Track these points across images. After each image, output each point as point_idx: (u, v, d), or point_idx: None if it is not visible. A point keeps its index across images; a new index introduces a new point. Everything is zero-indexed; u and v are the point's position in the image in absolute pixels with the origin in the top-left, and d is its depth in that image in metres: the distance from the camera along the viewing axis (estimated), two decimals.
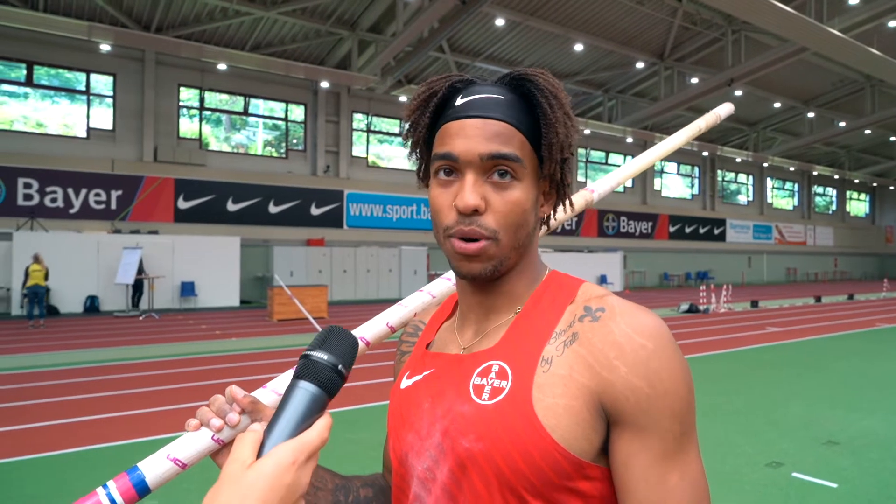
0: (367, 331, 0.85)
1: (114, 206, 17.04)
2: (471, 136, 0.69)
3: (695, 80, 22.06)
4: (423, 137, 0.77)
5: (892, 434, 4.88)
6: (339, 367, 0.62)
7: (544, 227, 0.84)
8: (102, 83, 17.65)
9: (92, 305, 15.33)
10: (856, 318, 14.38)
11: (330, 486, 0.82)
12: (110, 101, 17.67)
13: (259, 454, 0.56)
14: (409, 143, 0.78)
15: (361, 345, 0.83)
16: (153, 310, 14.93)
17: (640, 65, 21.97)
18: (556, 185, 0.76)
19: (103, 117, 17.60)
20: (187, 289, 16.48)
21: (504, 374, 0.68)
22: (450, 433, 0.68)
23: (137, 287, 15.29)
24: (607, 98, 24.66)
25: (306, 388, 0.60)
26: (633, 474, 0.62)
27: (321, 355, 0.61)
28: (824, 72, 23.85)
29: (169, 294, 16.32)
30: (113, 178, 17.04)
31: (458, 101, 0.73)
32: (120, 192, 17.12)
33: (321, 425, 0.59)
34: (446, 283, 0.95)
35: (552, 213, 0.79)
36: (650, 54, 21.81)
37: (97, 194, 16.79)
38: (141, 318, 13.91)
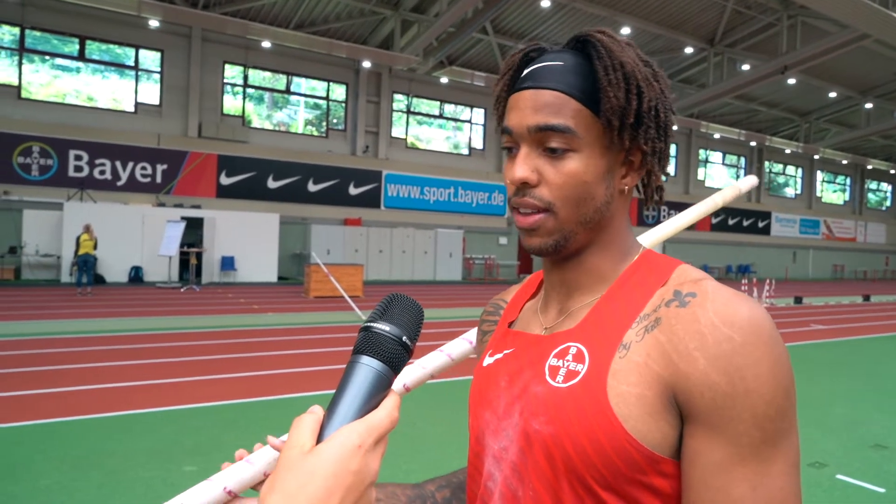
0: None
1: (159, 179, 17.45)
2: (522, 108, 0.67)
3: (746, 67, 21.30)
4: (502, 111, 0.75)
5: None
6: (404, 338, 0.56)
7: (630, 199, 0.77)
8: (150, 59, 18.00)
9: (136, 276, 15.79)
10: None
11: (403, 501, 0.80)
12: (157, 76, 18.02)
13: (319, 439, 0.50)
14: (496, 107, 0.77)
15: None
16: (194, 283, 15.30)
17: (688, 50, 21.33)
18: (639, 151, 0.69)
19: (150, 92, 17.98)
20: (227, 263, 16.82)
21: (581, 357, 0.64)
22: (524, 414, 0.66)
23: (186, 260, 15.72)
24: None
25: (369, 365, 0.54)
26: (696, 475, 0.57)
27: (383, 327, 0.55)
28: (886, 60, 22.72)
29: (210, 267, 16.69)
30: (158, 152, 17.43)
31: (524, 72, 0.71)
32: (165, 167, 17.52)
33: (390, 405, 0.53)
34: (466, 344, 0.95)
35: (648, 181, 0.73)
36: (700, 39, 21.14)
37: (143, 168, 17.22)
38: (182, 290, 14.27)
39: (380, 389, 0.53)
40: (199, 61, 18.28)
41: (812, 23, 18.93)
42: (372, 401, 0.53)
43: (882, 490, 3.61)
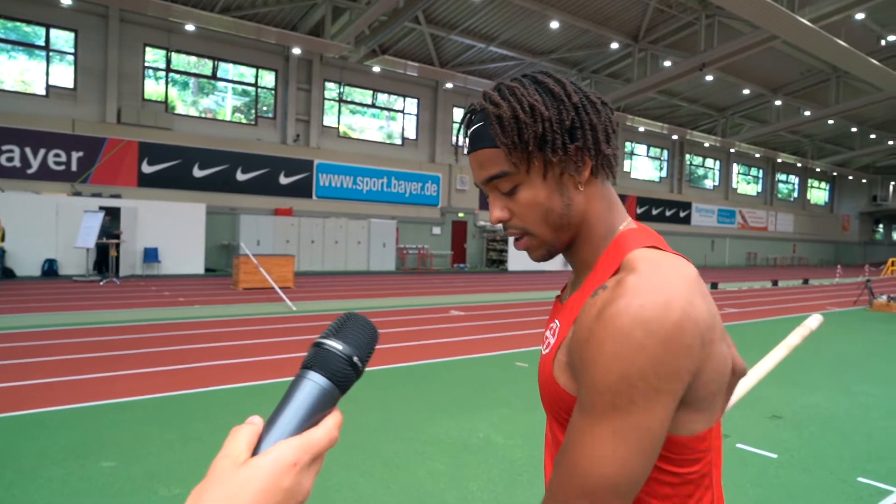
0: None
1: (74, 167, 16.53)
2: (473, 168, 0.85)
3: (667, 63, 22.23)
4: None
5: (833, 409, 5.14)
6: (355, 359, 0.55)
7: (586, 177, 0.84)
8: (63, 39, 16.97)
9: (50, 269, 14.95)
10: (809, 302, 14.90)
11: None
12: (71, 58, 17.01)
13: (256, 452, 0.49)
14: None
15: None
16: (115, 275, 14.63)
17: (614, 45, 22.04)
18: (559, 157, 0.80)
19: (64, 75, 16.96)
20: (150, 255, 16.18)
21: (555, 331, 0.85)
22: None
23: (104, 252, 14.95)
24: (581, 77, 24.70)
25: (315, 381, 0.53)
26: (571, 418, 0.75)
27: (335, 344, 0.55)
28: (793, 61, 24.28)
29: (131, 259, 15.99)
30: (73, 138, 16.49)
31: (468, 135, 0.87)
32: (81, 154, 16.60)
33: (330, 423, 0.52)
34: None
35: (602, 167, 0.83)
36: (625, 35, 21.89)
37: (56, 155, 16.26)
38: (101, 283, 13.63)
39: (323, 407, 0.53)
40: (118, 43, 17.38)
41: (728, 23, 19.97)
42: (313, 417, 0.52)
43: (774, 455, 3.95)
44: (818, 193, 45.69)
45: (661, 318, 0.68)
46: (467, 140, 0.86)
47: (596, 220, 0.84)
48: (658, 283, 0.71)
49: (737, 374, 0.78)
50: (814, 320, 1.44)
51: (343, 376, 0.54)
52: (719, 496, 0.81)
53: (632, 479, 0.68)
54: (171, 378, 5.44)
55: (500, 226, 23.09)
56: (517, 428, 4.33)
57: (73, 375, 5.40)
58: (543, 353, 0.85)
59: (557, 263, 21.66)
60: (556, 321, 0.85)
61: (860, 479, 3.63)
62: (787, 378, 6.30)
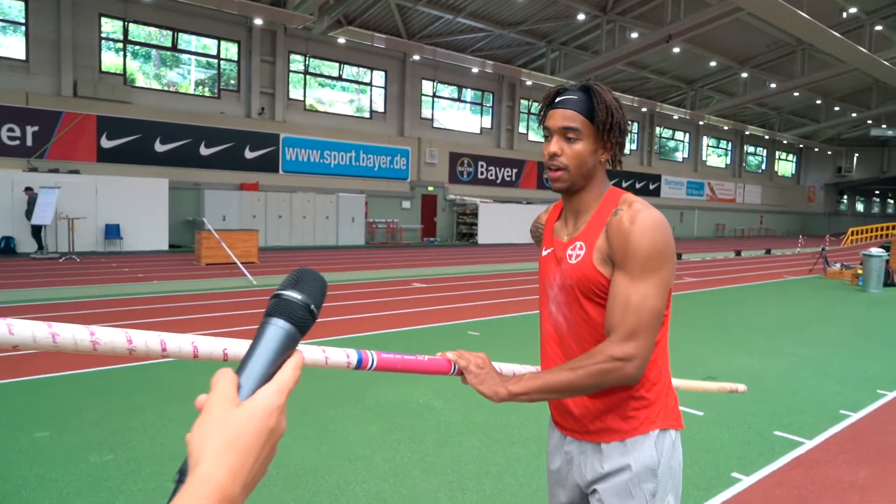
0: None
1: (30, 142, 16.06)
2: (556, 117, 1.35)
3: (635, 35, 22.23)
4: (544, 117, 1.39)
5: (765, 371, 5.34)
6: (312, 306, 0.63)
7: (611, 163, 1.41)
8: (16, 9, 16.35)
9: (7, 247, 14.63)
10: (768, 271, 15.30)
11: None
12: (23, 28, 16.41)
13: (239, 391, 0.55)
14: (539, 118, 1.41)
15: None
16: (74, 252, 14.38)
17: (581, 16, 21.93)
18: (609, 142, 1.35)
19: (15, 46, 16.37)
20: (112, 231, 15.90)
21: (582, 248, 1.35)
22: (562, 276, 1.39)
23: (41, 228, 14.45)
24: (550, 49, 24.61)
25: (280, 326, 0.60)
26: (613, 289, 1.28)
27: (294, 294, 0.62)
28: (759, 33, 24.44)
29: (92, 237, 15.71)
30: (28, 112, 16.00)
31: (556, 100, 1.36)
32: (36, 128, 16.13)
33: (293, 364, 0.59)
34: (343, 357, 1.04)
35: (613, 157, 1.38)
36: (593, 6, 21.78)
37: (10, 129, 15.76)
38: (61, 261, 13.40)
39: (287, 348, 0.60)
40: (71, 13, 16.77)
41: None
42: (280, 358, 0.59)
43: (701, 413, 4.12)
44: (785, 165, 46.46)
45: (663, 220, 1.29)
46: (560, 99, 1.34)
47: (598, 180, 1.39)
48: (649, 206, 1.31)
49: None
50: (741, 387, 1.91)
51: (303, 321, 0.62)
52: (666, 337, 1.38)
53: (663, 309, 1.26)
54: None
55: (470, 199, 22.94)
56: (458, 394, 4.43)
57: (16, 351, 5.35)
58: (573, 262, 1.35)
59: (525, 237, 21.78)
60: (580, 242, 1.35)
61: (776, 433, 3.82)
62: (726, 343, 6.51)
